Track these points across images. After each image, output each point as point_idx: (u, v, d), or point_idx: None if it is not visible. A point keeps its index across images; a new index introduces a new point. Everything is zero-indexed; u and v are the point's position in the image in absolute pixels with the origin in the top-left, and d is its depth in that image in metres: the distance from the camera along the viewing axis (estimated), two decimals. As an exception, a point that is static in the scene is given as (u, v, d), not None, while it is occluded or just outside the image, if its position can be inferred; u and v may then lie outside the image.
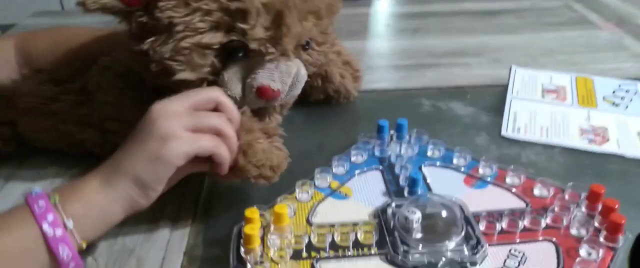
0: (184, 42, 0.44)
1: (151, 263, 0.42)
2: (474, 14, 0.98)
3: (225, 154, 0.43)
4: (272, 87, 0.46)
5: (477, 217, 0.44)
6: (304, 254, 0.41)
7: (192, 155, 0.41)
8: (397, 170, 0.52)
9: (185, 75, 0.46)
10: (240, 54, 0.46)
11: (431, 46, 0.84)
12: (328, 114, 0.65)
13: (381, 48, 0.86)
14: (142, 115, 0.44)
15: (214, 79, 0.48)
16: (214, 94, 0.45)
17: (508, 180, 0.50)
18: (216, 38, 0.44)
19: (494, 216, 0.45)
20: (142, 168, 0.40)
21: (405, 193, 0.48)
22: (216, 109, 0.44)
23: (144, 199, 0.41)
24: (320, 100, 0.65)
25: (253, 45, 0.45)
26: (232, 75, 0.47)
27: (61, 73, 0.56)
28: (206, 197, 0.50)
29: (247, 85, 0.47)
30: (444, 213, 0.43)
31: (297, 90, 0.50)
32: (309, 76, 0.62)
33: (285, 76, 0.47)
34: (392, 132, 0.57)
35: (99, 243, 0.44)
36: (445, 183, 0.50)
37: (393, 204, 0.45)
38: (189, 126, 0.41)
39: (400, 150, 0.55)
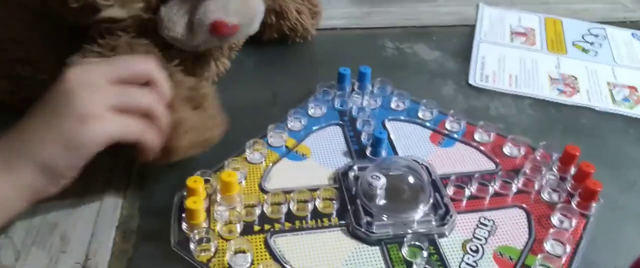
0: None
1: (77, 240, 0.36)
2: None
3: (153, 140, 0.36)
4: (226, 22, 0.39)
5: (444, 180, 0.41)
6: (256, 227, 0.37)
7: (116, 140, 0.34)
8: (359, 125, 0.47)
9: (113, 12, 0.38)
10: None
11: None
12: (283, 56, 0.58)
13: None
14: (60, 62, 0.36)
15: (150, 17, 0.40)
16: (147, 66, 0.36)
17: (477, 136, 0.47)
18: None
19: (462, 180, 0.41)
20: (53, 154, 0.32)
21: (368, 153, 0.44)
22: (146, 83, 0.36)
23: (53, 187, 0.34)
24: (274, 39, 0.58)
25: None
26: (172, 11, 0.40)
27: None
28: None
29: (197, 21, 0.40)
30: (410, 179, 0.39)
31: (255, 27, 0.44)
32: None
33: (242, 7, 0.40)
34: (353, 80, 0.51)
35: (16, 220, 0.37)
36: (410, 140, 0.46)
37: (355, 167, 0.41)
38: (114, 104, 0.34)
39: (362, 103, 0.50)
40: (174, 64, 0.42)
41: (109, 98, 0.34)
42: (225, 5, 0.40)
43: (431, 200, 0.39)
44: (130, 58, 0.37)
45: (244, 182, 0.41)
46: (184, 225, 0.36)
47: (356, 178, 0.40)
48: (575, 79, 0.57)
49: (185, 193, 0.37)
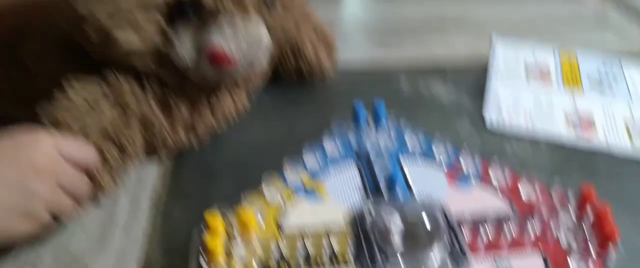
0: (123, 0, 0.38)
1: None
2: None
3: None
4: (226, 51, 0.40)
5: (460, 221, 0.41)
6: (273, 264, 0.37)
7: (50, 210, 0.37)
8: (374, 163, 0.47)
9: (129, 42, 0.40)
10: (190, 15, 0.40)
11: (409, 14, 0.79)
12: (299, 94, 0.59)
13: (356, 16, 0.80)
14: None
15: (166, 47, 0.42)
16: (93, 158, 0.41)
17: (492, 174, 0.47)
18: None
19: (478, 223, 0.41)
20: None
21: (384, 192, 0.44)
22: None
23: None
24: (291, 79, 0.59)
25: (206, 0, 0.39)
26: (182, 39, 0.41)
27: None
28: (163, 193, 0.45)
29: (200, 50, 0.41)
30: (426, 220, 0.40)
31: (259, 61, 0.44)
32: (279, 52, 0.57)
33: (242, 37, 0.41)
34: (367, 112, 0.52)
35: (42, 251, 0.38)
36: (426, 180, 0.46)
37: (371, 208, 0.42)
38: (62, 183, 0.37)
39: (377, 139, 0.50)
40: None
41: (63, 176, 0.37)
42: (226, 37, 0.41)
43: (447, 242, 0.39)
44: (86, 147, 0.41)
45: (260, 217, 0.41)
46: (203, 262, 0.36)
47: (372, 219, 0.41)
48: (592, 116, 0.57)
49: (203, 227, 0.38)
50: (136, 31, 0.40)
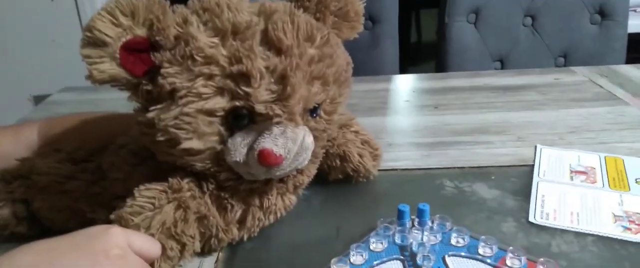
0: (188, 107, 0.44)
1: None
2: (495, 89, 0.97)
3: None
4: (274, 152, 0.45)
5: (506, 317, 0.41)
6: None
7: None
8: (419, 260, 0.49)
9: (191, 144, 0.46)
10: (246, 121, 0.46)
11: (452, 123, 0.83)
12: (346, 194, 0.63)
13: (401, 125, 0.85)
14: None
15: (222, 149, 0.47)
16: (157, 251, 0.46)
17: (539, 273, 0.47)
18: (220, 103, 0.44)
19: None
20: None
21: (428, 288, 0.45)
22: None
23: None
24: (339, 179, 0.64)
25: (259, 108, 0.44)
26: (237, 141, 0.46)
27: (80, 153, 0.57)
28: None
29: (251, 151, 0.46)
30: (470, 314, 0.40)
31: (303, 159, 0.48)
32: (328, 156, 0.61)
33: (289, 142, 0.46)
34: (413, 217, 0.54)
35: None
36: (470, 276, 0.47)
37: (415, 301, 0.42)
38: None
39: (422, 238, 0.52)
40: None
41: (132, 264, 0.42)
42: (275, 138, 0.45)
43: None
44: (152, 241, 0.46)
45: (307, 313, 0.43)
46: None
47: (416, 312, 0.41)
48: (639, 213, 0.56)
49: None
50: (199, 138, 0.46)
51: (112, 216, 0.47)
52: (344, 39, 0.55)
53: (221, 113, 0.45)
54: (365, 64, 1.32)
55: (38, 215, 0.55)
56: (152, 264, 0.45)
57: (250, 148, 0.46)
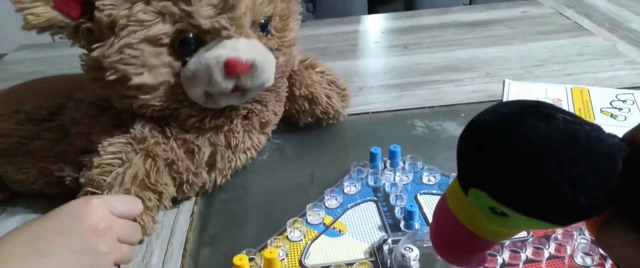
0: (130, 38, 0.43)
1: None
2: (464, 26, 0.97)
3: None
4: (240, 59, 0.44)
5: (477, 249, 0.42)
6: (297, 301, 0.39)
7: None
8: (392, 200, 0.50)
9: (143, 78, 0.45)
10: (194, 46, 0.45)
11: (422, 62, 0.82)
12: (319, 141, 0.63)
13: (371, 67, 0.85)
14: None
15: (176, 81, 0.46)
16: (139, 208, 0.46)
17: (507, 205, 0.48)
18: (163, 29, 0.43)
19: (494, 247, 0.42)
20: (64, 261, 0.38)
21: (402, 226, 0.46)
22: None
23: None
24: (309, 123, 0.63)
25: (204, 23, 0.43)
26: (191, 68, 0.45)
27: (41, 112, 0.55)
28: (194, 240, 0.48)
29: (213, 67, 0.44)
30: (442, 249, 0.41)
31: (268, 76, 0.48)
32: (295, 100, 0.61)
33: (251, 47, 0.45)
34: (385, 158, 0.55)
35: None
36: (442, 212, 0.48)
37: (389, 240, 0.43)
38: (121, 237, 0.42)
39: (394, 179, 0.53)
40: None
41: (120, 230, 0.42)
42: (234, 47, 0.44)
43: None
44: (132, 199, 0.45)
45: (285, 258, 0.44)
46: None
47: (390, 251, 0.43)
48: (605, 144, 0.58)
49: (231, 271, 0.40)
50: (149, 71, 0.44)
51: (81, 179, 0.46)
52: None
53: (166, 40, 0.44)
54: (335, 5, 1.29)
55: (4, 178, 0.54)
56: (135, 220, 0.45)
57: (208, 67, 0.44)
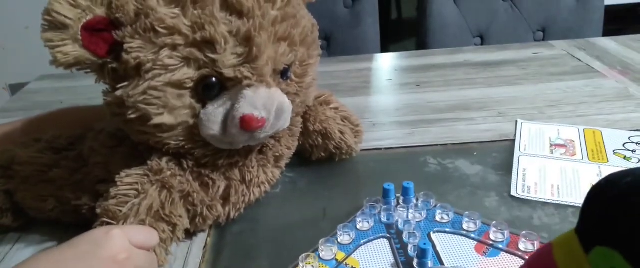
0: (155, 81, 0.44)
1: None
2: (476, 66, 0.98)
3: None
4: (255, 116, 0.45)
5: (491, 290, 0.42)
6: None
7: None
8: (405, 237, 0.50)
9: (163, 118, 0.45)
10: (217, 90, 0.46)
11: (434, 100, 0.83)
12: (331, 175, 0.63)
13: (384, 104, 0.86)
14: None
15: (195, 122, 0.47)
16: (156, 239, 0.46)
17: (521, 246, 0.48)
18: (188, 73, 0.44)
19: (509, 289, 0.42)
20: None
21: (415, 264, 0.46)
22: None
23: None
24: (322, 158, 0.64)
25: (227, 72, 0.44)
26: (210, 113, 0.46)
27: (60, 141, 0.56)
28: (206, 272, 0.48)
29: (229, 119, 0.46)
30: (456, 288, 0.41)
31: (284, 122, 0.49)
32: (309, 135, 0.62)
33: (268, 102, 0.46)
34: (398, 195, 0.55)
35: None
36: (455, 251, 0.48)
37: (402, 278, 0.43)
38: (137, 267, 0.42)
39: (407, 216, 0.53)
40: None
41: (138, 259, 0.42)
42: (252, 101, 0.45)
43: (478, 309, 0.40)
44: (149, 231, 0.46)
45: (297, 293, 0.44)
46: None
47: (403, 288, 0.42)
48: (619, 186, 0.57)
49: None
50: (170, 112, 0.45)
51: (98, 210, 0.47)
52: (306, 0, 0.54)
53: (190, 84, 0.45)
54: (347, 43, 1.31)
55: (22, 205, 0.54)
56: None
57: (227, 117, 0.46)
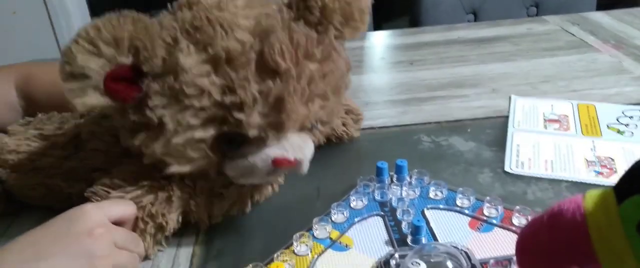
0: (176, 138, 0.41)
1: None
2: (469, 42, 0.97)
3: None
4: (288, 158, 0.43)
5: (484, 264, 0.42)
6: (304, 316, 0.39)
7: None
8: (399, 215, 0.50)
9: (180, 168, 0.44)
10: (237, 144, 0.43)
11: (427, 78, 0.83)
12: (326, 155, 0.62)
13: (377, 83, 0.85)
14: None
15: (211, 162, 0.45)
16: (133, 211, 0.45)
17: (515, 221, 0.48)
18: (209, 132, 0.41)
19: (501, 263, 0.42)
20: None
21: (409, 241, 0.46)
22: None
23: None
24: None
25: (252, 133, 0.41)
26: (239, 168, 0.44)
27: (49, 126, 0.55)
28: (200, 254, 0.48)
29: (261, 161, 0.43)
30: (449, 264, 0.41)
31: (308, 163, 0.47)
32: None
33: (296, 147, 0.44)
34: (391, 173, 0.55)
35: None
36: (449, 227, 0.48)
37: (396, 255, 0.43)
38: (116, 243, 0.42)
39: (401, 193, 0.53)
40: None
41: (116, 235, 0.42)
42: (282, 146, 0.43)
43: (472, 284, 0.40)
44: (125, 203, 0.45)
45: (291, 272, 0.44)
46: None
47: (397, 265, 0.42)
48: (612, 160, 0.58)
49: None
50: (186, 162, 0.43)
51: (86, 193, 0.47)
52: (345, 40, 0.49)
53: (210, 140, 0.42)
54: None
55: (13, 192, 0.54)
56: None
57: (255, 166, 0.43)
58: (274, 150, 0.43)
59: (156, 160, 0.44)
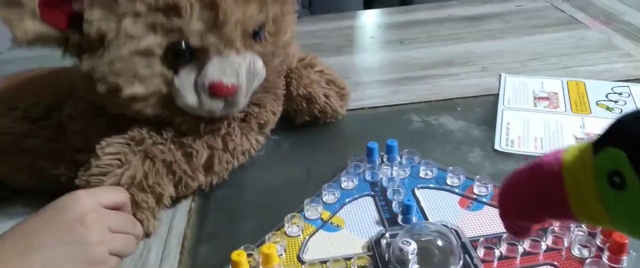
0: (120, 51, 0.42)
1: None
2: (460, 20, 0.97)
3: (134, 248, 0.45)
4: (224, 83, 0.44)
5: (474, 242, 0.43)
6: (296, 296, 0.39)
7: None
8: (389, 195, 0.50)
9: (134, 89, 0.44)
10: (187, 57, 0.44)
11: (417, 57, 0.82)
12: (316, 136, 0.63)
13: (367, 62, 0.85)
14: None
15: (168, 90, 0.46)
16: (125, 196, 0.45)
17: (505, 198, 0.48)
18: (154, 41, 0.43)
19: (492, 241, 0.43)
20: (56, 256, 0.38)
21: (399, 221, 0.46)
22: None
23: None
24: (307, 121, 0.63)
25: (194, 40, 0.43)
26: (182, 82, 0.45)
27: (36, 110, 0.55)
28: (191, 237, 0.48)
29: (198, 85, 0.44)
30: (439, 242, 0.41)
31: (255, 85, 0.48)
32: (293, 99, 0.61)
33: (238, 68, 0.45)
34: (382, 153, 0.55)
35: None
36: (439, 206, 0.48)
37: (387, 234, 0.43)
38: (110, 228, 0.42)
39: (391, 173, 0.53)
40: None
41: (110, 220, 0.42)
42: (221, 67, 0.44)
43: (461, 263, 0.40)
44: (116, 190, 0.45)
45: (283, 254, 0.44)
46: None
47: (388, 245, 0.43)
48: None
49: (230, 266, 0.40)
50: (140, 81, 0.44)
51: (78, 181, 0.46)
52: None
53: (159, 52, 0.43)
54: (330, 1, 1.29)
55: (1, 176, 0.53)
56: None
57: (198, 84, 0.44)
58: (211, 73, 0.44)
59: (112, 90, 0.43)
